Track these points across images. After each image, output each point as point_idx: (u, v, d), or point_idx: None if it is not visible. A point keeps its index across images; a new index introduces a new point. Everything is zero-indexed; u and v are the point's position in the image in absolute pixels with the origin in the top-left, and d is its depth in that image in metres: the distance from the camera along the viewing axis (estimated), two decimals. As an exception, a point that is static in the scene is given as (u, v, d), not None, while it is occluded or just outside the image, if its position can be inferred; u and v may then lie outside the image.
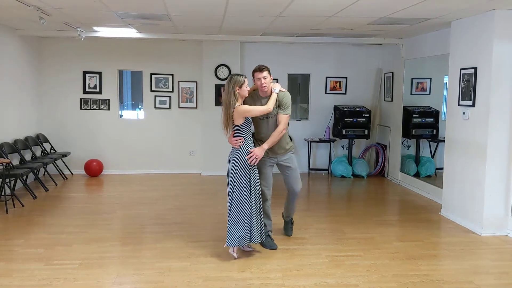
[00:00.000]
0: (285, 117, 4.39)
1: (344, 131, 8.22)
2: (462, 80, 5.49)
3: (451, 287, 3.77)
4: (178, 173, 8.53)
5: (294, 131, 8.49)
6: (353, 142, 8.58)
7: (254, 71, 4.34)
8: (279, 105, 4.38)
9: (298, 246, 4.68)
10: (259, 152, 4.24)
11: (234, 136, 4.28)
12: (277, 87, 4.39)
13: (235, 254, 4.31)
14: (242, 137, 4.23)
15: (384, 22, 5.90)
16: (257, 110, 4.26)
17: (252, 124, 4.35)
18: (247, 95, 4.30)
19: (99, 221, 5.53)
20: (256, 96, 4.45)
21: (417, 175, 7.67)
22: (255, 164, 4.25)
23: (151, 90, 8.52)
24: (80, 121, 8.39)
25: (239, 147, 4.22)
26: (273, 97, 4.32)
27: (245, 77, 4.26)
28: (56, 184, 7.48)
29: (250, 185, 4.20)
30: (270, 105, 4.26)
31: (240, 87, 4.18)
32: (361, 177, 8.35)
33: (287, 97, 4.44)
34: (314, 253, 4.49)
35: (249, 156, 4.20)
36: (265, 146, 4.30)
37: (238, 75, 4.25)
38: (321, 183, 8.04)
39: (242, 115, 4.20)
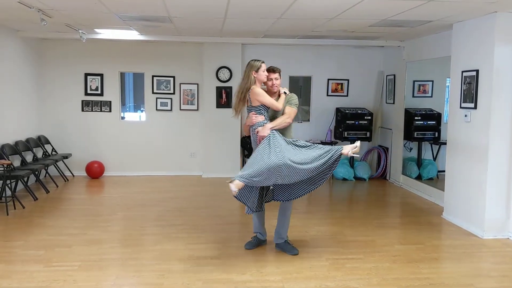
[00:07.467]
0: (292, 110, 4.41)
1: (345, 133, 8.20)
2: (464, 83, 5.47)
3: (452, 290, 3.76)
4: (179, 175, 8.52)
5: (296, 133, 8.38)
6: (355, 145, 8.56)
7: (267, 70, 4.37)
8: (287, 102, 4.45)
9: (298, 248, 4.64)
10: (262, 130, 4.19)
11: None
12: (285, 89, 4.50)
13: None
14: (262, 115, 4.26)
15: (386, 24, 5.88)
16: (269, 99, 4.27)
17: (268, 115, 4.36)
18: (264, 80, 4.32)
19: (99, 223, 5.53)
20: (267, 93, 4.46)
21: (419, 177, 7.65)
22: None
23: (153, 92, 8.52)
24: (82, 123, 8.40)
25: (256, 122, 4.23)
26: (282, 98, 4.40)
27: (262, 62, 4.30)
28: (57, 186, 7.48)
29: None
30: (280, 105, 4.32)
31: (257, 71, 4.25)
32: (362, 180, 8.31)
33: (295, 97, 4.53)
34: (314, 255, 4.47)
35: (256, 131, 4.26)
36: (269, 125, 4.23)
37: (255, 60, 4.33)
38: (322, 186, 7.96)
39: (255, 97, 4.23)
